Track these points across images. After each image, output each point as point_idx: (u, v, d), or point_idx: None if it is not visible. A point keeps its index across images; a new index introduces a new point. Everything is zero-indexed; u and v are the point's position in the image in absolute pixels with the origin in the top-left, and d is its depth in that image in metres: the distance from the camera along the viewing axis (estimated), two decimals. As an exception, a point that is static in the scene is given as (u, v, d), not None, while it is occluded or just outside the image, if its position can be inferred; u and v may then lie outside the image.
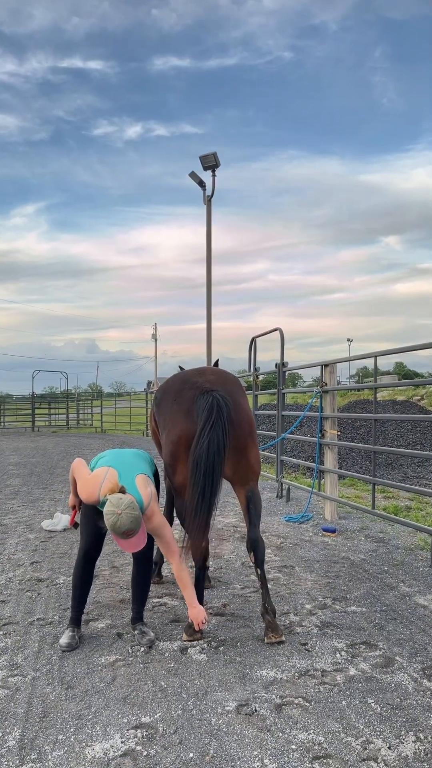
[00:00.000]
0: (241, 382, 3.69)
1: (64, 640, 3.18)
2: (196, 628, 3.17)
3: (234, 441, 3.26)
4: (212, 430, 3.11)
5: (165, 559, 4.04)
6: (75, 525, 3.58)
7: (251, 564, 4.39)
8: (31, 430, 24.22)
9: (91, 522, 3.25)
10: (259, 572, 3.27)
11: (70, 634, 3.22)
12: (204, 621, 3.17)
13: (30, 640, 3.29)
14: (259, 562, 3.26)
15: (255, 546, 3.25)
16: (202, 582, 3.41)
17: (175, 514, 3.90)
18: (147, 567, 3.36)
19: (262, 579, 3.27)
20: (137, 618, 3.34)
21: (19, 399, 29.92)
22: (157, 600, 3.88)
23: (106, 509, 2.89)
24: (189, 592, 3.19)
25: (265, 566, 4.51)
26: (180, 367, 4.53)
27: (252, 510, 3.32)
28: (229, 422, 3.18)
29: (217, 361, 4.60)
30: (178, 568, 3.17)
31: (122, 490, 3.01)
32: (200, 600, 3.31)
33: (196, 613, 3.16)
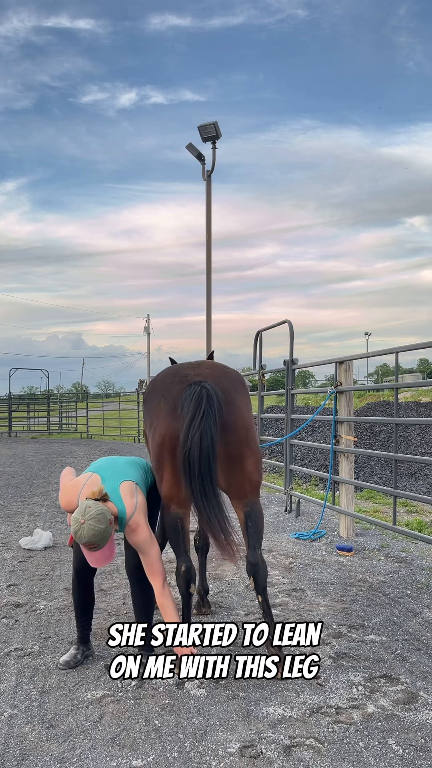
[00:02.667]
0: (244, 379, 3.65)
1: (63, 657, 3.34)
2: (181, 653, 3.19)
3: (226, 447, 3.22)
4: (203, 422, 3.07)
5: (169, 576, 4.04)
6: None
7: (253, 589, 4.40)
8: (7, 435, 24.25)
9: None
10: (261, 599, 3.27)
11: (73, 652, 3.37)
12: (190, 652, 3.19)
13: (6, 673, 3.29)
14: (260, 588, 3.26)
15: (255, 571, 3.24)
16: (188, 611, 3.35)
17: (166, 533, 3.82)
18: (145, 584, 3.34)
19: (265, 607, 3.27)
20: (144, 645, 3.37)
21: (-6, 400, 29.89)
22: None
23: (72, 515, 2.97)
24: (172, 620, 3.20)
25: (273, 590, 4.53)
26: (171, 359, 4.52)
27: (251, 528, 3.29)
28: (220, 422, 3.15)
29: (212, 353, 4.58)
30: (160, 593, 3.19)
31: (104, 497, 3.06)
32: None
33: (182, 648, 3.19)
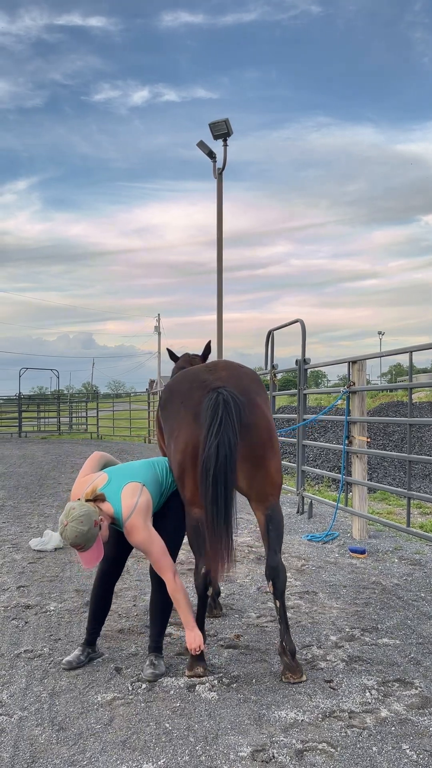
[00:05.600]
0: (260, 377, 3.65)
1: (66, 658, 3.39)
2: (192, 652, 3.19)
3: (249, 449, 3.22)
4: (221, 432, 3.06)
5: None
6: None
7: (267, 591, 4.39)
8: (17, 435, 24.38)
9: (109, 537, 3.32)
10: (278, 605, 3.25)
11: (77, 653, 3.41)
12: (200, 647, 3.19)
13: (16, 674, 3.31)
14: (278, 593, 3.24)
15: (275, 575, 3.22)
16: (202, 614, 3.36)
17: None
18: (165, 587, 3.33)
19: (282, 613, 3.25)
20: (153, 647, 3.37)
21: (4, 400, 30.13)
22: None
23: (60, 517, 3.05)
24: (185, 612, 3.19)
25: (285, 592, 4.51)
26: (168, 350, 4.56)
27: (272, 532, 3.28)
28: (241, 425, 3.15)
29: (209, 343, 4.54)
30: (172, 586, 3.19)
31: (99, 498, 3.14)
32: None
33: (193, 636, 3.18)
